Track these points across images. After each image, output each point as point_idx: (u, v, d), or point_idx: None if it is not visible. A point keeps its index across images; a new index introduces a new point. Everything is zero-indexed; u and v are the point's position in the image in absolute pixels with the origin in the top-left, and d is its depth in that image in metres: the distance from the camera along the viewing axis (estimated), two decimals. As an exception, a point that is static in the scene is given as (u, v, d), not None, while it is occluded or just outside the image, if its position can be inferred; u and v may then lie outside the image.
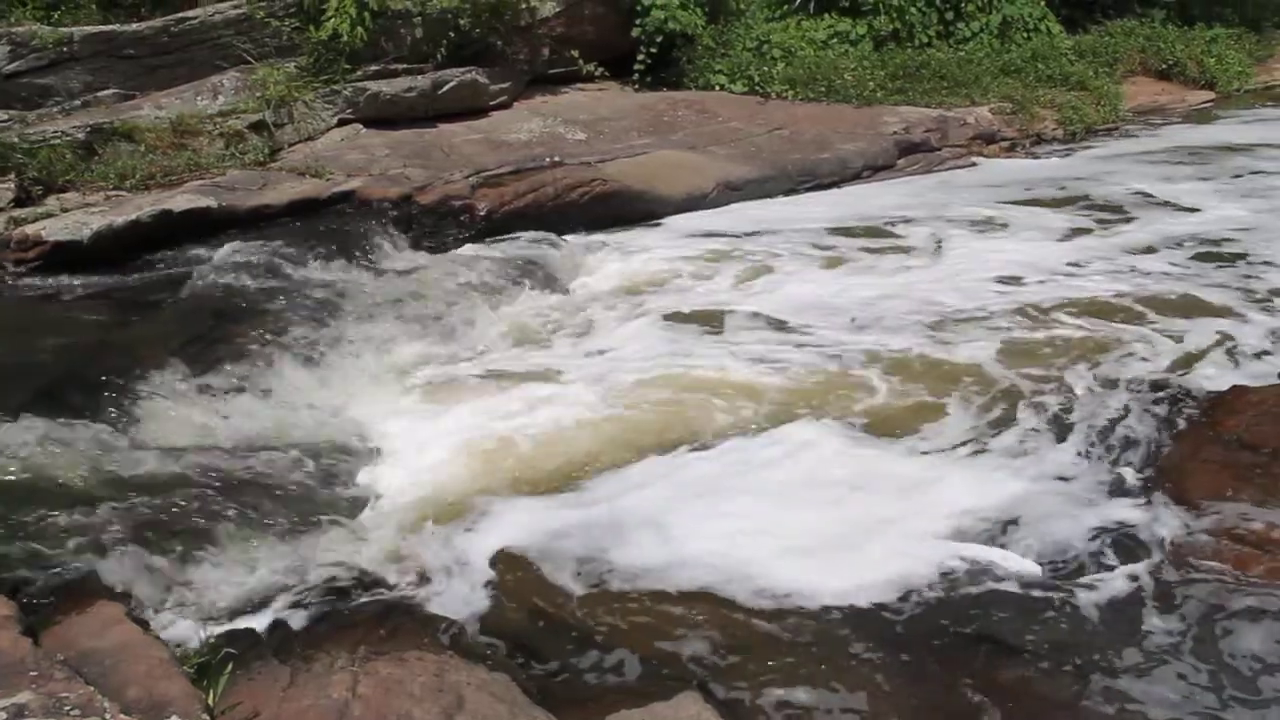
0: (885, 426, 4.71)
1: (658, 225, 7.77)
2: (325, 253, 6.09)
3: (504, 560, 3.67)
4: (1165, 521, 3.97)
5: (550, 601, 3.48)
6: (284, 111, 7.86)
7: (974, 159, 10.59)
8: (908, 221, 7.99)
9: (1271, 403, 4.85)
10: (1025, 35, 13.67)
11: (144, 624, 3.00)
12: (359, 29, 8.25)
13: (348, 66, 8.36)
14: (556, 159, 7.95)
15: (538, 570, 3.63)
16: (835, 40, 12.20)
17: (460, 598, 3.48)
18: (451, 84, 8.62)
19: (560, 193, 7.56)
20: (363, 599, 3.40)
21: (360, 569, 3.57)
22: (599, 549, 3.73)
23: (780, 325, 5.82)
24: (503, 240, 7.02)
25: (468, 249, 6.83)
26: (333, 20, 8.23)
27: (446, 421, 4.65)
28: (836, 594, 3.50)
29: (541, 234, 7.11)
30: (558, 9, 9.90)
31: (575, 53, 9.95)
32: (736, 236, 7.45)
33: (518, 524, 3.85)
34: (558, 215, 7.46)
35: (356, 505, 4.00)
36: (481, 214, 7.17)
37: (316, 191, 6.75)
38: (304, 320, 5.27)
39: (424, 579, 3.57)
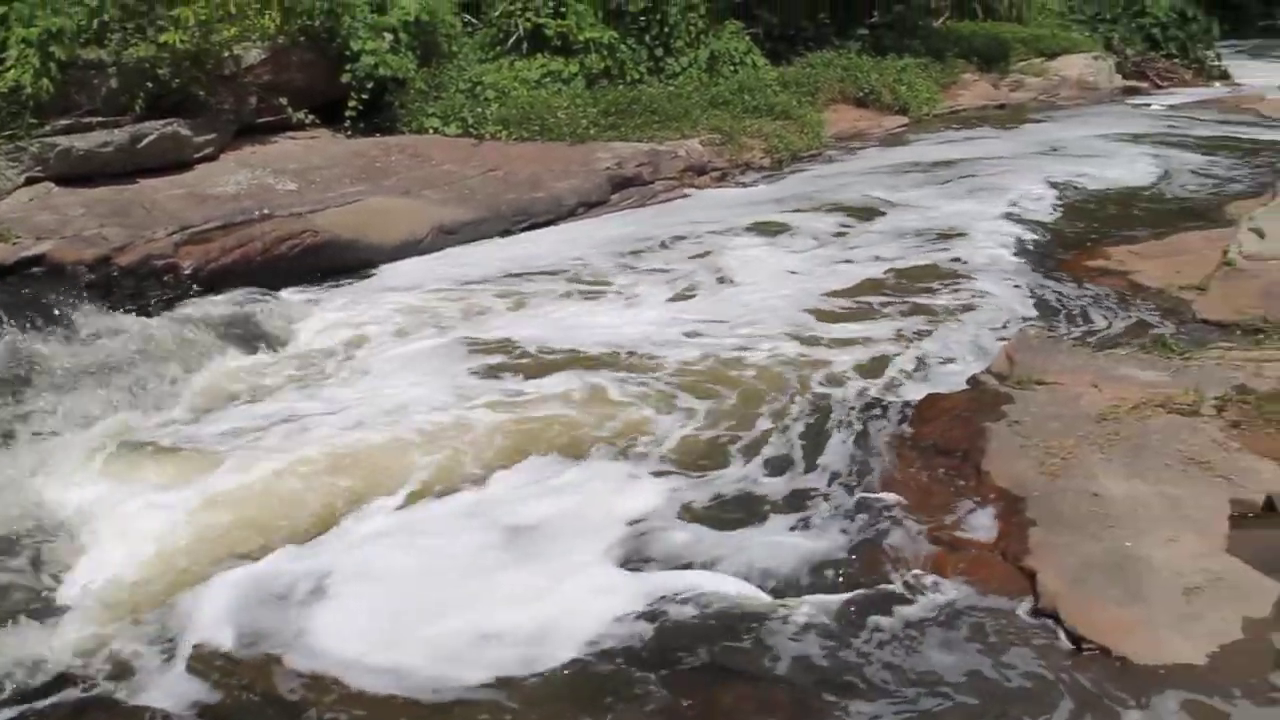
0: (584, 460, 4.91)
1: (372, 275, 7.79)
2: (15, 323, 5.82)
3: (205, 642, 3.61)
4: (869, 532, 4.25)
5: (250, 681, 3.46)
6: (-39, 172, 7.45)
7: (686, 190, 10.99)
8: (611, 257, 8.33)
9: (962, 407, 5.29)
10: (732, 69, 14.24)
11: None
12: (44, 80, 7.84)
13: (34, 121, 7.95)
14: (266, 211, 7.83)
15: (237, 650, 3.59)
16: (548, 80, 12.42)
17: (161, 686, 3.41)
18: (152, 137, 8.36)
19: (270, 246, 7.46)
20: (54, 699, 3.30)
21: (53, 665, 3.45)
22: (296, 624, 3.72)
23: (491, 370, 5.97)
24: (211, 299, 6.88)
25: (174, 310, 6.66)
26: (13, 71, 7.80)
27: (147, 495, 4.51)
28: (547, 643, 3.61)
29: (251, 290, 7.01)
30: (263, 56, 9.74)
31: (284, 100, 9.79)
32: (447, 282, 7.55)
33: (219, 601, 3.80)
34: (268, 270, 7.36)
35: (48, 593, 3.87)
36: (187, 273, 7.00)
37: (1, 257, 6.44)
38: (-8, 396, 5.06)
39: (123, 669, 3.48)
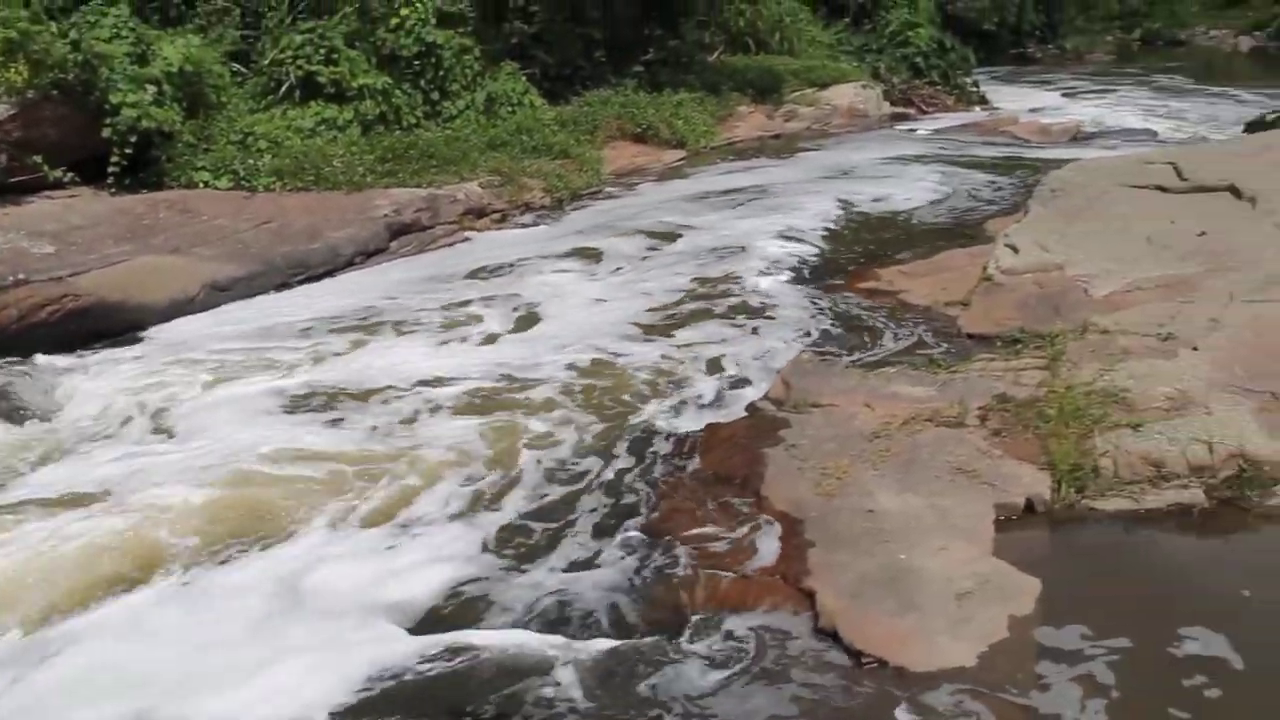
0: (345, 521, 4.88)
1: (140, 338, 7.54)
2: None
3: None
4: (651, 567, 4.35)
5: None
6: None
7: (466, 234, 11.01)
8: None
9: (741, 434, 5.45)
10: (510, 110, 14.36)
11: None
12: None
13: None
14: (21, 276, 7.48)
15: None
16: (323, 128, 12.25)
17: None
18: (-111, 203, 7.91)
19: (26, 313, 7.15)
20: None
21: None
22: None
23: (260, 428, 5.87)
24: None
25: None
26: None
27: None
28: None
29: (6, 360, 6.71)
30: (11, 111, 9.33)
31: (38, 158, 9.36)
32: (217, 341, 7.39)
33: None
34: (24, 338, 7.04)
35: None
36: (-67, 345, 6.66)
37: None
38: None
39: None
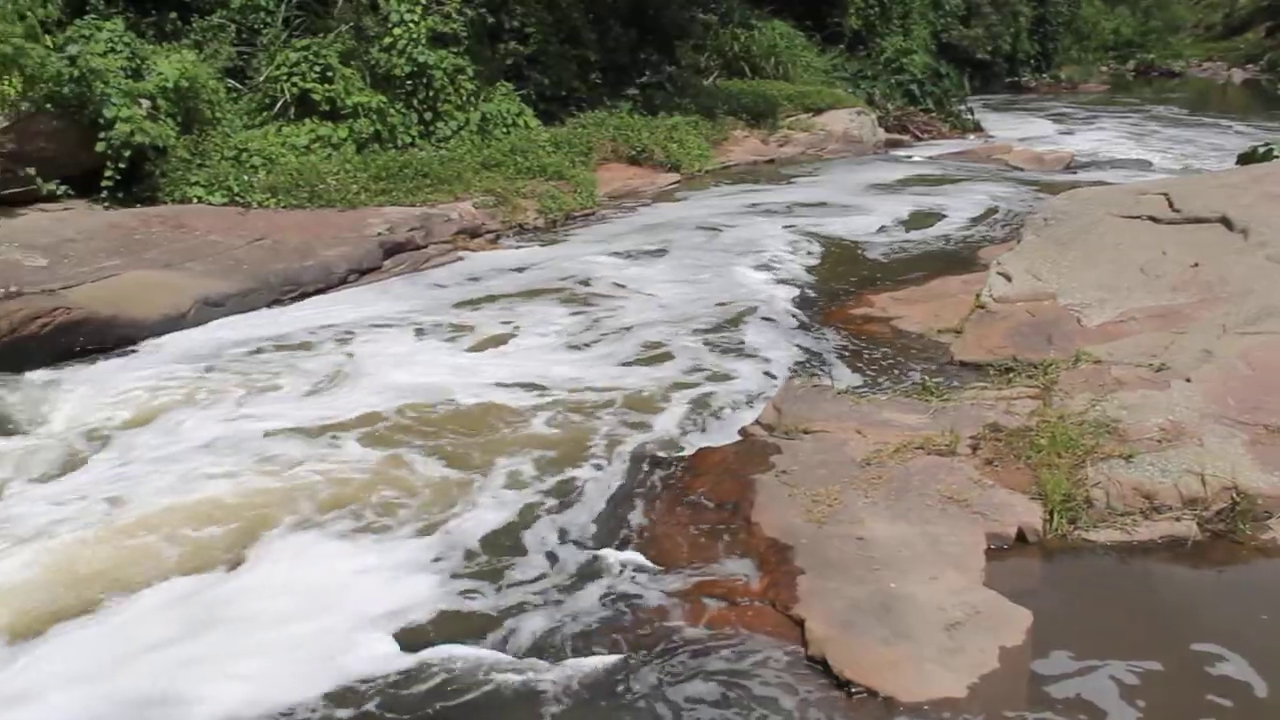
0: (331, 536, 4.88)
1: (132, 352, 7.49)
2: None
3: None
4: (641, 590, 4.31)
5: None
6: None
7: (460, 253, 10.96)
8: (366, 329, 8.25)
9: (731, 460, 5.40)
10: (505, 130, 14.38)
11: None
12: None
13: None
14: (13, 289, 7.45)
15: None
16: (317, 145, 12.29)
17: None
18: (-120, 214, 7.89)
19: (17, 326, 7.09)
20: None
21: None
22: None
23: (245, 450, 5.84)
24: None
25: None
26: None
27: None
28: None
29: (-2, 374, 6.68)
30: (4, 124, 9.34)
31: (32, 170, 9.37)
32: (210, 357, 7.35)
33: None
34: (15, 351, 6.97)
35: None
36: (-78, 357, 6.62)
37: None
38: None
39: None
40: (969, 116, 24.46)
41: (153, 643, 4.05)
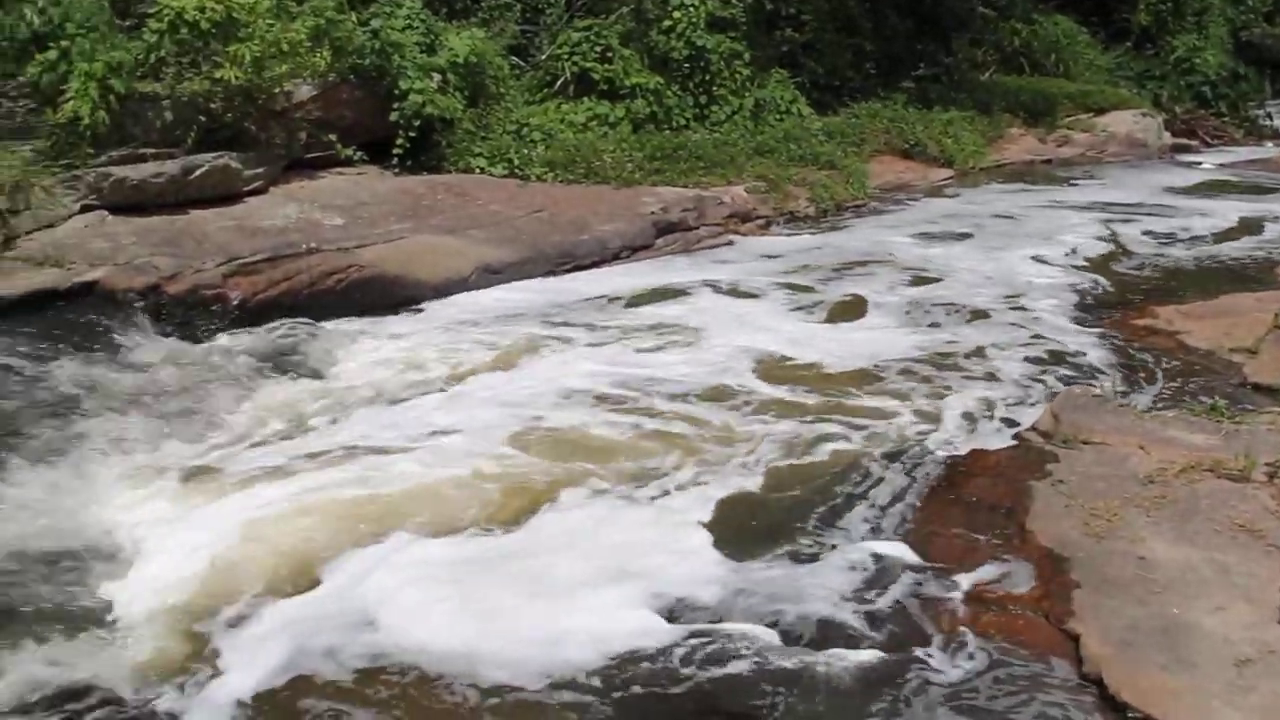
0: (624, 497, 4.94)
1: (417, 310, 7.80)
2: (67, 347, 5.90)
3: (265, 664, 3.62)
4: (910, 587, 4.18)
5: (314, 702, 3.48)
6: (20, 198, 7.51)
7: (730, 237, 10.92)
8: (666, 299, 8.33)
9: (1005, 464, 5.23)
10: (778, 117, 14.24)
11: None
12: (101, 112, 7.99)
13: (91, 151, 8.07)
14: (313, 245, 7.87)
15: (299, 671, 3.61)
16: (595, 123, 12.48)
17: (219, 708, 3.42)
18: (203, 169, 8.43)
19: (316, 279, 7.50)
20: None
21: (112, 685, 3.46)
22: (355, 642, 3.75)
23: (536, 408, 5.95)
24: (257, 329, 6.91)
25: (221, 339, 6.70)
26: (72, 103, 7.95)
27: (200, 519, 4.57)
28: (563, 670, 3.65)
29: (297, 321, 7.04)
30: (314, 93, 9.87)
31: (333, 137, 9.87)
32: (494, 319, 7.56)
33: (277, 622, 3.84)
34: (314, 302, 7.40)
35: (106, 615, 3.87)
36: (235, 303, 7.05)
37: (56, 282, 6.49)
38: (43, 419, 5.10)
39: (182, 689, 3.49)
40: (1267, 122, 22.72)
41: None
